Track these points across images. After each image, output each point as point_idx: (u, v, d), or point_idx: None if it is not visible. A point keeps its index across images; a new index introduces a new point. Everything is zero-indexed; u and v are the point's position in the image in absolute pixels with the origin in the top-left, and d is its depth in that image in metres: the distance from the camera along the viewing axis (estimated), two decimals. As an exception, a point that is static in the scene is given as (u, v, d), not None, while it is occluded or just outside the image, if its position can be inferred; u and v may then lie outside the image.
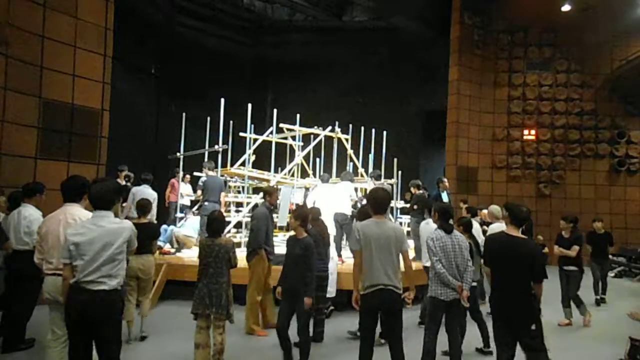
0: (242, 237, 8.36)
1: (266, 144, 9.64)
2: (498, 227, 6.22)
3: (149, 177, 7.76)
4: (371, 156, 10.73)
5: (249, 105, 8.47)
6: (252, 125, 9.09)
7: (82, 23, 7.09)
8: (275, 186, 8.09)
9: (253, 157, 9.54)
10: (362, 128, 10.62)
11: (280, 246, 6.08)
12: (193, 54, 13.36)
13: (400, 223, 10.42)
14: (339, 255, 7.25)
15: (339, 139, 10.12)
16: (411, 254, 8.20)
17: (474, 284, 4.75)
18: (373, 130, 10.76)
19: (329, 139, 10.27)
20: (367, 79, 14.35)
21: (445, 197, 8.62)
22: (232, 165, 9.34)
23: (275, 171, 9.03)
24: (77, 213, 3.42)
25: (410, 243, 9.05)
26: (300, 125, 9.61)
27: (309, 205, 7.49)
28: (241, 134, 9.35)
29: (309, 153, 9.85)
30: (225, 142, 8.76)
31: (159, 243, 8.00)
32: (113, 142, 7.76)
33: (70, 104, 6.92)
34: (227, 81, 13.24)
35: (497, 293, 3.59)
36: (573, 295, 6.39)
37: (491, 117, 13.42)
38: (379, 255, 3.55)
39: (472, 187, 12.95)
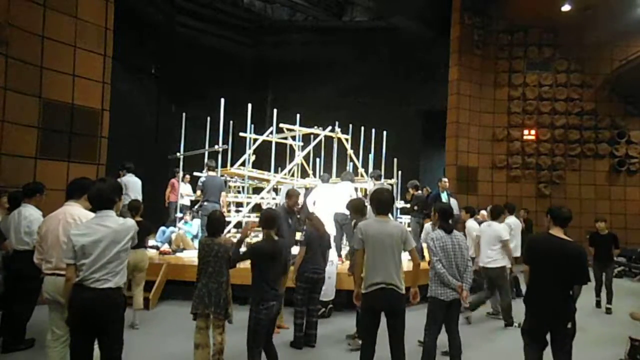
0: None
1: (266, 144, 9.64)
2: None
3: (130, 166, 7.76)
4: (371, 156, 10.73)
5: (249, 105, 8.47)
6: (252, 125, 9.09)
7: (82, 23, 7.09)
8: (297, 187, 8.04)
9: (253, 157, 9.54)
10: (362, 128, 10.62)
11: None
12: (193, 54, 13.36)
13: (400, 223, 10.41)
14: (339, 256, 7.24)
15: (339, 139, 10.12)
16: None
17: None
18: (373, 130, 10.76)
19: (329, 139, 10.26)
20: (367, 79, 14.35)
21: (444, 197, 8.61)
22: (232, 165, 9.34)
23: (275, 171, 9.03)
24: (76, 213, 3.42)
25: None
26: (300, 125, 9.60)
27: (309, 205, 7.50)
28: (241, 134, 9.36)
29: (309, 153, 9.85)
30: (225, 142, 8.76)
31: (157, 243, 8.03)
32: (113, 142, 7.76)
33: (70, 104, 6.93)
34: (227, 81, 13.25)
35: (535, 291, 3.59)
36: None
37: (491, 117, 13.42)
38: (381, 254, 3.56)
39: (472, 187, 12.95)
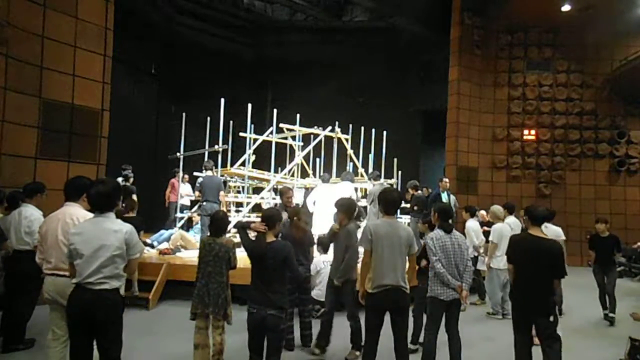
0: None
1: (266, 144, 9.65)
2: (501, 227, 6.26)
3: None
4: (371, 156, 10.74)
5: (249, 105, 8.47)
6: (252, 125, 9.09)
7: (82, 23, 7.08)
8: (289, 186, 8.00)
9: (253, 157, 9.54)
10: (362, 128, 10.62)
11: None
12: (193, 54, 13.36)
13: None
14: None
15: (339, 139, 10.13)
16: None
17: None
18: (373, 130, 10.76)
19: (329, 139, 10.27)
20: (367, 79, 14.35)
21: (445, 197, 8.63)
22: (232, 165, 9.34)
23: (275, 171, 9.03)
24: (75, 213, 3.42)
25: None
26: (300, 125, 9.61)
27: (309, 205, 7.51)
28: (241, 134, 9.36)
29: (309, 153, 9.85)
30: (225, 142, 8.77)
31: (152, 242, 8.03)
32: (113, 142, 7.76)
33: (70, 104, 6.92)
34: (227, 81, 13.25)
35: (520, 288, 3.87)
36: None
37: (491, 117, 13.41)
38: (389, 255, 3.59)
39: (472, 187, 12.94)
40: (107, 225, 2.97)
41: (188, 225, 9.18)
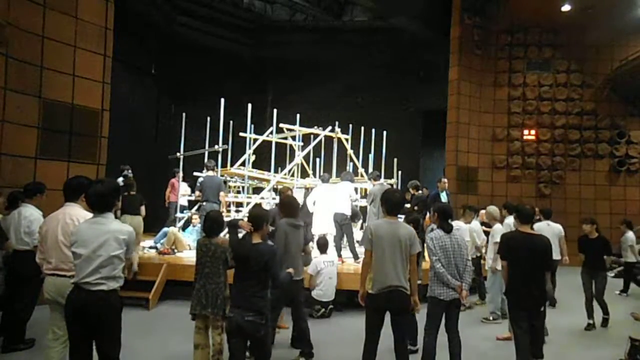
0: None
1: (266, 144, 9.65)
2: (500, 229, 6.22)
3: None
4: (371, 156, 10.74)
5: (249, 105, 8.47)
6: (252, 125, 9.09)
7: (82, 23, 7.08)
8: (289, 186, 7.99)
9: (253, 157, 9.54)
10: (362, 128, 10.62)
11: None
12: (193, 53, 13.36)
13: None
14: (339, 256, 7.25)
15: (339, 139, 10.13)
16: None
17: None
18: (373, 130, 10.76)
19: (329, 139, 10.27)
20: (367, 79, 14.35)
21: (444, 197, 8.63)
22: (232, 165, 9.34)
23: (275, 171, 9.03)
24: (75, 213, 3.43)
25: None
26: (300, 125, 9.61)
27: (309, 205, 7.51)
28: (241, 134, 9.36)
29: (309, 153, 9.85)
30: (225, 142, 8.77)
31: (157, 245, 8.02)
32: (113, 142, 7.76)
33: (70, 104, 6.92)
34: (227, 81, 13.25)
35: (515, 282, 4.06)
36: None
37: (491, 117, 13.41)
38: (390, 255, 3.58)
39: (472, 187, 12.94)
40: (105, 225, 2.97)
41: (185, 225, 9.18)
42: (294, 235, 4.43)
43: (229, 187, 10.81)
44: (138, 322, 5.34)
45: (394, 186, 10.02)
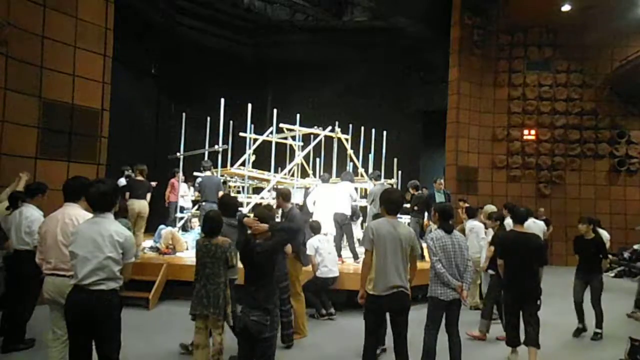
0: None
1: (266, 144, 9.64)
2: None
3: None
4: (371, 156, 10.73)
5: (249, 105, 8.46)
6: (252, 125, 9.09)
7: (82, 23, 7.08)
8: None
9: (253, 157, 9.54)
10: (362, 128, 10.62)
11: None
12: (193, 54, 13.36)
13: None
14: (339, 256, 7.24)
15: (339, 139, 10.12)
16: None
17: None
18: (373, 130, 10.76)
19: (329, 139, 10.26)
20: (367, 79, 14.35)
21: (439, 197, 8.60)
22: (232, 165, 9.34)
23: (275, 171, 9.03)
24: (74, 213, 3.42)
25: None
26: (300, 125, 9.60)
27: (309, 205, 7.51)
28: (241, 134, 9.36)
29: (309, 153, 9.85)
30: (225, 142, 8.76)
31: (156, 244, 8.02)
32: (113, 142, 7.76)
33: (70, 104, 6.92)
34: (227, 81, 13.24)
35: (511, 277, 4.46)
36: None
37: (491, 117, 13.42)
38: (392, 255, 3.56)
39: (472, 187, 12.95)
40: (104, 226, 2.96)
41: (183, 227, 9.19)
42: (231, 235, 4.28)
43: (229, 187, 10.81)
44: (138, 322, 5.34)
45: (394, 186, 10.02)
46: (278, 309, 4.24)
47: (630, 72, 12.18)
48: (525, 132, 13.35)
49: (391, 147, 11.03)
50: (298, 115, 9.57)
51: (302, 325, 5.27)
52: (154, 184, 8.65)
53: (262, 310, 3.27)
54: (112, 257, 2.92)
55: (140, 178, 7.44)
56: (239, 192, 10.84)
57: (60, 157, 6.77)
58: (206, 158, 9.03)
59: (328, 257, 6.12)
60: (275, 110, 9.02)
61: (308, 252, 5.88)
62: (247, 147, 9.23)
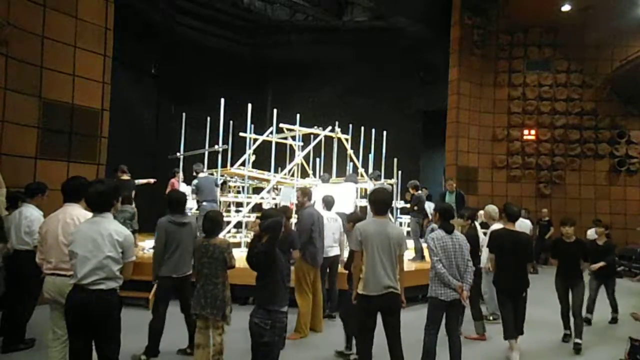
0: (242, 237, 8.36)
1: (266, 144, 9.64)
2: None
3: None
4: (371, 156, 10.72)
5: (249, 105, 8.46)
6: (252, 125, 9.09)
7: (82, 23, 7.08)
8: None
9: (253, 157, 9.53)
10: (362, 128, 10.61)
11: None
12: (193, 54, 13.36)
13: (400, 223, 10.42)
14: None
15: (339, 139, 10.11)
16: (411, 254, 8.26)
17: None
18: (373, 130, 10.75)
19: (329, 139, 10.26)
20: (367, 79, 14.34)
21: (449, 198, 8.63)
22: (232, 165, 9.33)
23: (275, 171, 9.02)
24: (75, 213, 3.43)
25: (410, 243, 9.07)
26: (300, 125, 9.60)
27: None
28: (241, 134, 9.35)
29: (309, 153, 9.84)
30: (225, 142, 8.76)
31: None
32: (113, 142, 7.76)
33: (70, 104, 6.92)
34: (227, 81, 13.23)
35: (502, 272, 4.78)
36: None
37: (491, 117, 13.42)
38: (380, 255, 3.54)
39: (472, 187, 12.95)
40: (103, 226, 2.97)
41: None
42: (179, 234, 4.28)
43: (230, 187, 10.80)
44: (138, 322, 5.33)
45: (394, 186, 10.01)
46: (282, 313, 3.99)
47: (630, 72, 12.18)
48: (525, 132, 13.35)
49: (391, 147, 11.02)
50: (298, 115, 9.56)
51: (304, 325, 5.26)
52: (152, 180, 8.72)
53: (263, 311, 3.26)
54: (111, 256, 2.92)
55: (125, 177, 7.61)
56: (239, 192, 10.83)
57: (60, 157, 6.78)
58: (206, 158, 9.04)
59: (331, 237, 5.98)
60: (275, 110, 9.02)
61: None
62: (247, 147, 9.23)
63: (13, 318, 4.56)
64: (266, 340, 3.24)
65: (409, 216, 8.99)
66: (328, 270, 5.94)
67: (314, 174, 10.63)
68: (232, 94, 9.75)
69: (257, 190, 10.70)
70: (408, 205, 8.82)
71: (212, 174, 8.86)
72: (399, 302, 3.63)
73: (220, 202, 8.92)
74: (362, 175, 9.91)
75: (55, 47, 6.73)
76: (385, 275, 3.52)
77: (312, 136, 9.77)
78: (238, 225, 8.60)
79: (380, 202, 3.73)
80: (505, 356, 4.86)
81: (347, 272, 4.46)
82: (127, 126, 10.64)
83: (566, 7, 12.33)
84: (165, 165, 11.14)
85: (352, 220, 4.74)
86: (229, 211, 10.11)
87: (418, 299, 6.82)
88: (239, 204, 10.39)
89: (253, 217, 8.58)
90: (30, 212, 4.54)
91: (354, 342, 4.44)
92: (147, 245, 7.90)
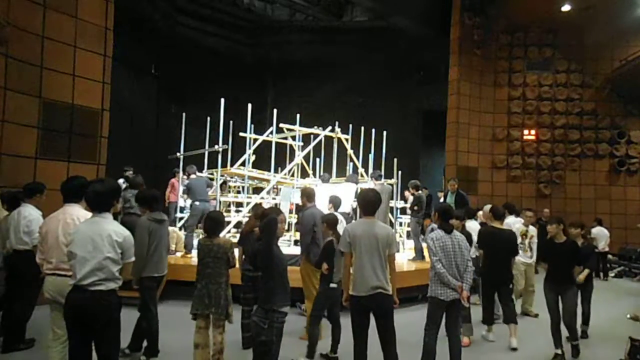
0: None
1: (266, 144, 9.64)
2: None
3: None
4: (371, 156, 10.71)
5: (249, 105, 8.46)
6: (252, 125, 9.09)
7: (82, 23, 7.08)
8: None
9: (253, 157, 9.53)
10: (362, 128, 10.61)
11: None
12: (193, 54, 13.36)
13: (400, 223, 10.42)
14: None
15: (339, 139, 10.11)
16: (411, 254, 8.25)
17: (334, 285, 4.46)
18: (373, 130, 10.75)
19: (329, 139, 10.25)
20: (367, 79, 14.34)
21: (448, 198, 8.63)
22: (232, 165, 9.33)
23: (275, 171, 9.02)
24: (75, 213, 3.42)
25: (410, 243, 9.08)
26: (300, 125, 9.60)
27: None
28: (241, 134, 9.35)
29: (309, 153, 9.84)
30: (225, 142, 8.76)
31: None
32: (113, 142, 7.75)
33: (70, 104, 6.91)
34: (227, 81, 13.24)
35: (489, 266, 5.28)
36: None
37: (491, 117, 13.42)
38: (369, 256, 3.54)
39: (472, 187, 12.94)
40: (102, 226, 2.96)
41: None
42: (160, 231, 4.26)
43: (230, 187, 10.80)
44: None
45: (394, 186, 10.01)
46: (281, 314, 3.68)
47: (630, 72, 12.19)
48: (525, 132, 13.35)
49: (391, 147, 11.02)
50: (298, 115, 9.56)
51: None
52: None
53: (262, 310, 3.27)
54: (110, 257, 2.91)
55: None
56: (239, 192, 10.83)
57: (60, 157, 6.77)
58: (206, 158, 9.03)
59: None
60: (275, 110, 9.02)
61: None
62: (247, 147, 9.23)
63: (13, 318, 4.55)
64: (264, 339, 3.25)
65: (409, 216, 8.99)
66: None
67: (314, 174, 10.63)
68: (232, 94, 9.75)
69: (257, 190, 10.70)
70: (407, 205, 8.82)
71: (212, 174, 8.87)
72: (390, 303, 3.59)
73: (220, 202, 8.92)
74: (362, 175, 9.90)
75: (55, 47, 6.72)
76: (374, 275, 3.51)
77: (312, 136, 9.77)
78: (238, 225, 8.60)
79: (368, 203, 3.71)
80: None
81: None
82: (127, 126, 10.65)
83: (566, 7, 12.33)
84: (165, 165, 11.15)
85: (326, 221, 4.69)
86: (229, 211, 10.12)
87: (418, 299, 6.82)
88: (239, 204, 10.39)
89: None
90: (29, 212, 4.53)
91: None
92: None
